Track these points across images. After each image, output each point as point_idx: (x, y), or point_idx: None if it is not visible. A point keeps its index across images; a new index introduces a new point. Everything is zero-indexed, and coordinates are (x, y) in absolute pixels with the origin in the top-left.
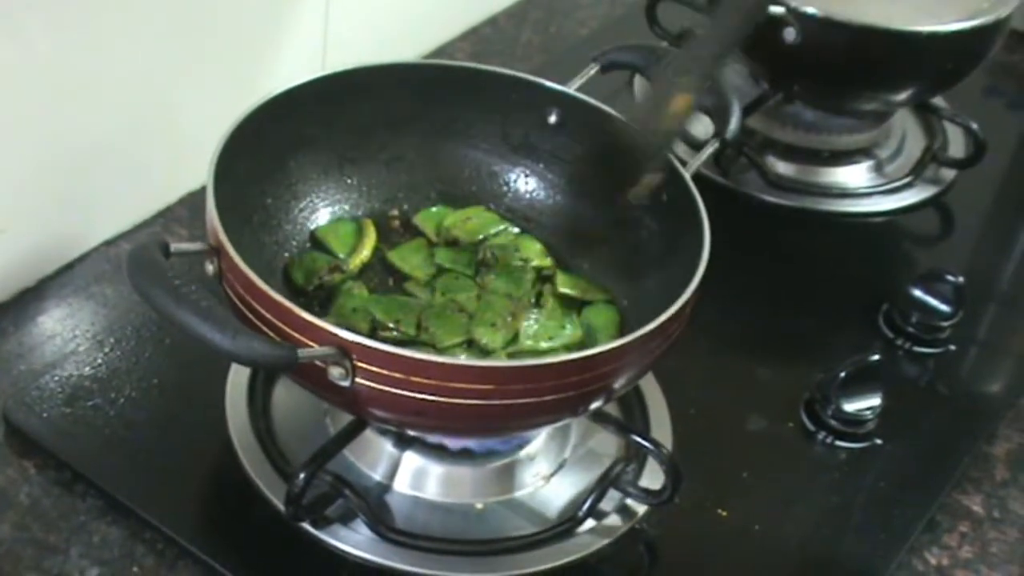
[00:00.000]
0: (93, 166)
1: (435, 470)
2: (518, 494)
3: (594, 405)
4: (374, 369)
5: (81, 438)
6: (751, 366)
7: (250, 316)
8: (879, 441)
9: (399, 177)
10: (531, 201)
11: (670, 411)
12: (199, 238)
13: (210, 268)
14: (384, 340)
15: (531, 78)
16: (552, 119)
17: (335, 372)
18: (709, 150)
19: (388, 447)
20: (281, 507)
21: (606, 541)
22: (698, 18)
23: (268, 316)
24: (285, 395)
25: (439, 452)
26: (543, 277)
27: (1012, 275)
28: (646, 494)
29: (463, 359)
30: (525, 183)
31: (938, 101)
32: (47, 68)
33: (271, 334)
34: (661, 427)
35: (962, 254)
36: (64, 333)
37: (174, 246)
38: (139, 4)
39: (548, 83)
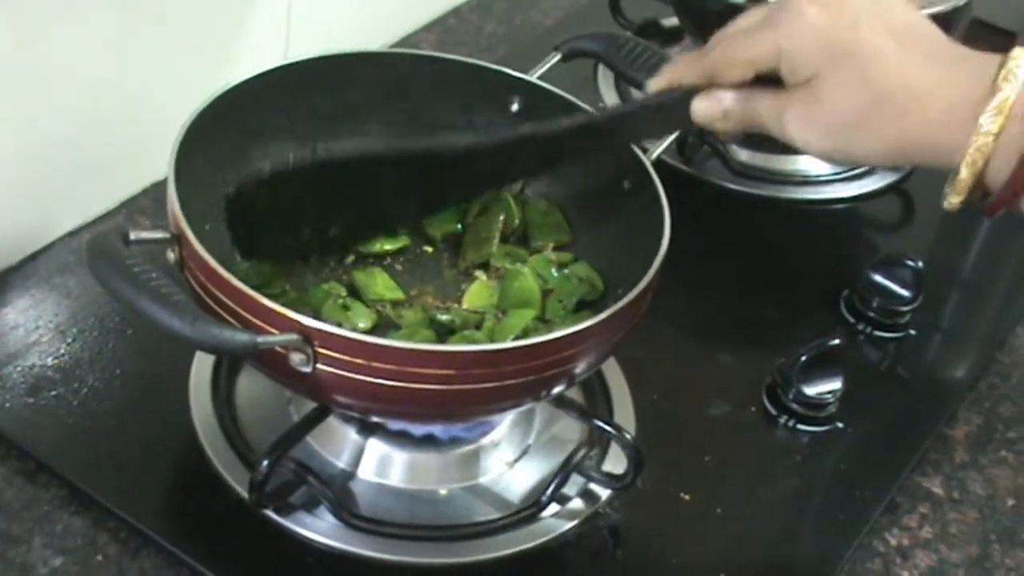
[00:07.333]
0: (56, 157)
1: (399, 457)
2: (482, 480)
3: (556, 389)
4: (335, 355)
5: (44, 428)
6: (713, 352)
7: (211, 303)
8: (840, 424)
9: None
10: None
11: (633, 397)
12: (163, 227)
13: (171, 256)
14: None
15: (493, 66)
16: (515, 107)
17: (296, 358)
18: (671, 137)
19: (352, 434)
20: (245, 494)
21: (570, 525)
22: (661, 8)
23: (229, 303)
24: (249, 384)
25: (403, 439)
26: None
27: (972, 260)
28: (609, 479)
29: (423, 344)
30: None
31: None
32: (7, 59)
33: (233, 321)
34: (624, 412)
35: (923, 240)
36: (27, 324)
37: (134, 234)
38: None
39: (510, 71)
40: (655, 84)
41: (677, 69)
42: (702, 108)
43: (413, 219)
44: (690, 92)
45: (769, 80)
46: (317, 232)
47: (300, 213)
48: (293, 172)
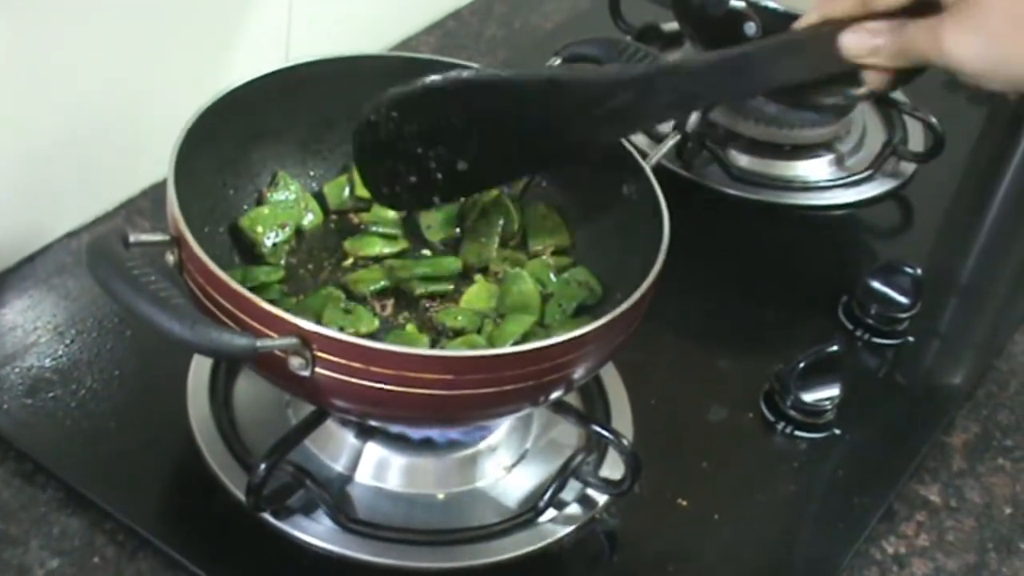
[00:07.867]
0: (55, 158)
1: (397, 461)
2: (480, 484)
3: (554, 395)
4: (334, 359)
5: (42, 429)
6: (712, 357)
7: (210, 306)
8: (838, 431)
9: None
10: None
11: (631, 402)
12: (162, 230)
13: (170, 259)
14: None
15: None
16: None
17: (295, 362)
18: (670, 143)
19: (350, 438)
20: (242, 497)
21: (567, 531)
22: (661, 13)
23: (228, 306)
24: (247, 386)
25: (401, 443)
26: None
27: (970, 267)
28: (606, 484)
29: (422, 349)
30: None
31: (898, 95)
32: (7, 60)
33: (231, 324)
34: (622, 417)
35: (921, 247)
36: (25, 325)
37: (134, 236)
38: None
39: None
40: (804, 19)
41: (827, 1)
42: (853, 41)
43: (535, 166)
44: (837, 28)
45: (920, 13)
46: (445, 167)
47: (430, 143)
48: (422, 96)
